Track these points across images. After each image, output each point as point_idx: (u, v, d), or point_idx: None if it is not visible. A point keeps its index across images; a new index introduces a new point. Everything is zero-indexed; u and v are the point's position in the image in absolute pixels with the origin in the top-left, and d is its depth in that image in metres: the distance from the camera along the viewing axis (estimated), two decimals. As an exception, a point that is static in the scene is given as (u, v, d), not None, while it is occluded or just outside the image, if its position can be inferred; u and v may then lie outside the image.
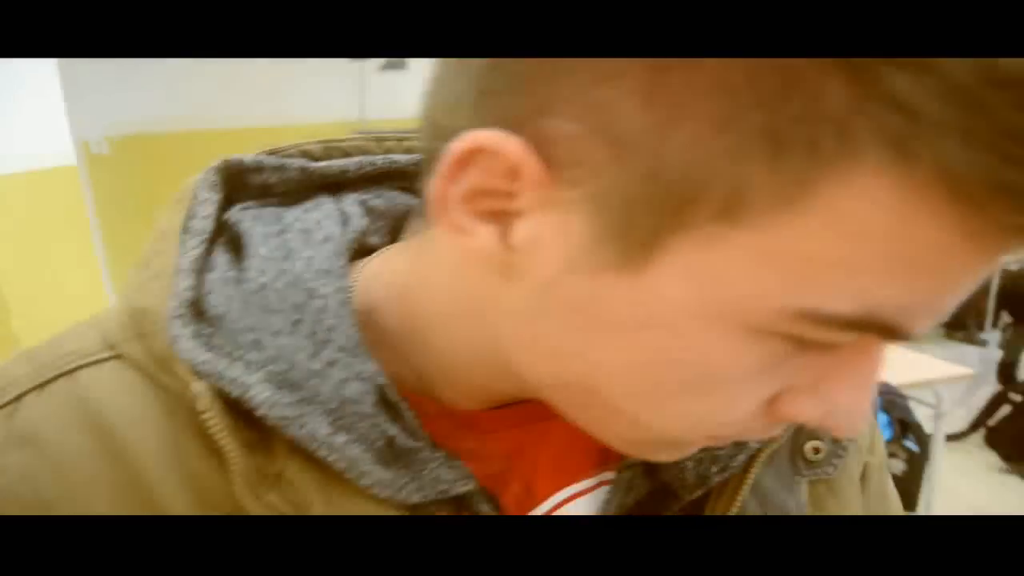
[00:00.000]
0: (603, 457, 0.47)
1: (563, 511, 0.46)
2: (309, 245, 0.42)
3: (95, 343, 0.42)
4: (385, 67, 4.76)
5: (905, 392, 2.27)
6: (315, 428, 0.37)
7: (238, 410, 0.37)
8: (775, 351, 0.31)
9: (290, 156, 0.47)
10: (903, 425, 2.31)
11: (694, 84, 0.27)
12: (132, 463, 0.39)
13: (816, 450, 0.48)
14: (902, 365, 2.12)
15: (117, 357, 0.42)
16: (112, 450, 0.39)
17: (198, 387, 0.37)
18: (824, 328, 0.29)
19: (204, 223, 0.42)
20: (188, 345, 0.38)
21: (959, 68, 0.23)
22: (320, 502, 0.38)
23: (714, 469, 0.44)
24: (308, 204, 0.45)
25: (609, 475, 0.46)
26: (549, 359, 0.36)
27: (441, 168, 0.32)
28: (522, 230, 0.32)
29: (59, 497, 0.39)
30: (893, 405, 2.32)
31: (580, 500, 0.46)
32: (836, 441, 0.48)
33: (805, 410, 0.34)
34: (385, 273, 0.44)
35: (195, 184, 0.44)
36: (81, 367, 0.41)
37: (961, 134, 0.24)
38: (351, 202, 0.46)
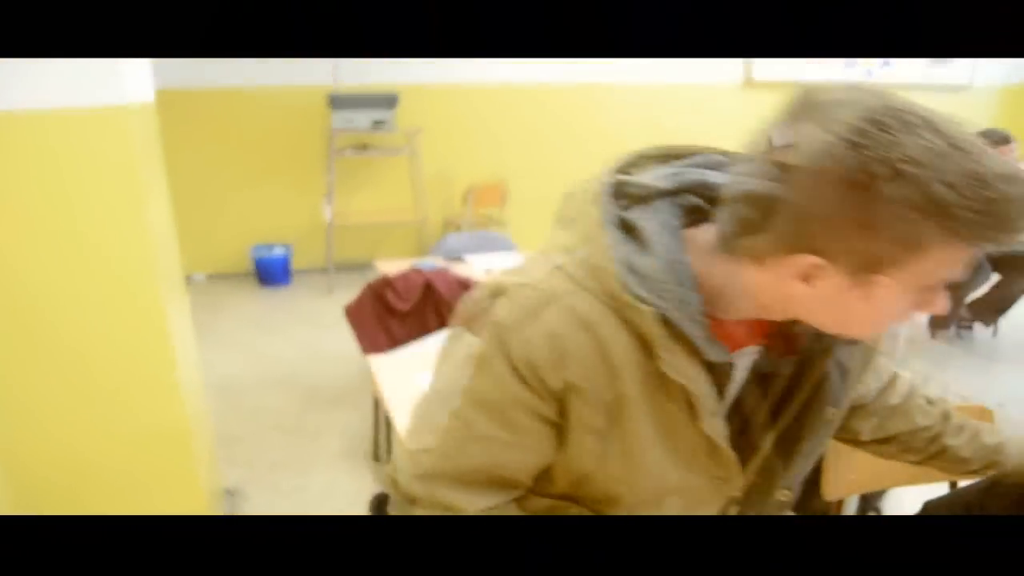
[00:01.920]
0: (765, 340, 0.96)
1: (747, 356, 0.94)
2: (674, 236, 0.87)
3: (568, 283, 0.87)
4: (354, 44, 5.51)
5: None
6: (692, 330, 0.83)
7: (659, 318, 0.83)
8: (928, 287, 0.80)
9: (633, 169, 0.95)
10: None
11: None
12: (605, 346, 0.85)
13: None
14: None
15: (584, 290, 0.86)
16: (595, 339, 0.85)
17: (646, 309, 0.82)
18: (929, 287, 0.79)
19: (615, 220, 0.87)
20: (638, 289, 0.83)
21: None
22: (679, 364, 0.84)
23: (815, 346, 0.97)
24: (657, 205, 0.90)
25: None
26: (819, 316, 0.85)
27: (786, 262, 0.80)
28: (820, 276, 0.79)
29: (566, 362, 0.85)
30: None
31: (745, 356, 0.94)
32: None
33: (934, 305, 0.83)
34: (710, 253, 0.87)
35: (600, 192, 0.89)
36: (569, 295, 0.86)
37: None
38: (674, 203, 0.91)
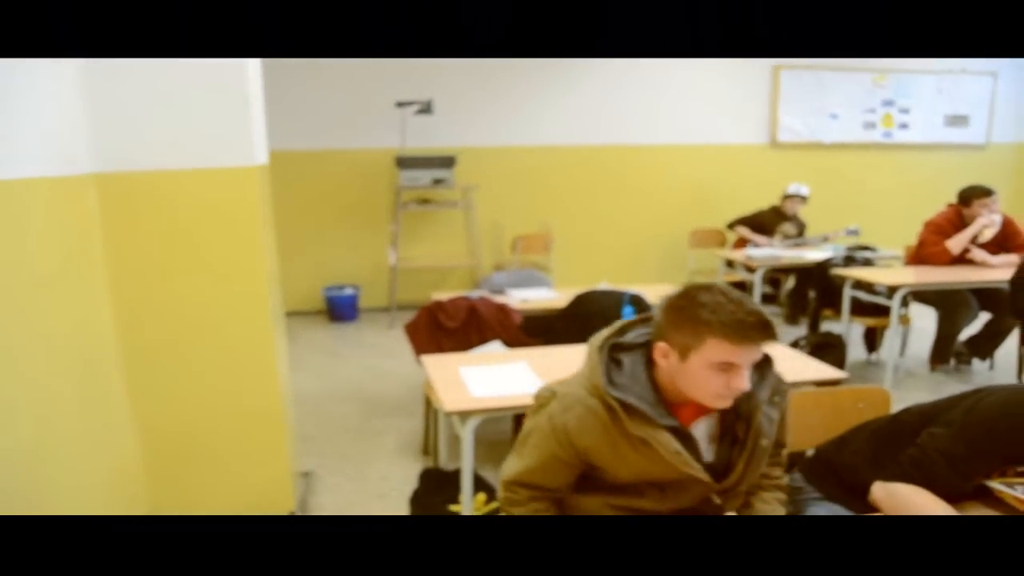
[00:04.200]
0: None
1: (696, 426, 1.74)
2: (639, 363, 1.73)
3: (582, 391, 1.72)
4: (418, 111, 6.37)
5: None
6: (644, 407, 1.67)
7: (620, 404, 1.67)
8: (721, 370, 1.61)
9: (628, 330, 1.82)
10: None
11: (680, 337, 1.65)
12: (603, 424, 1.69)
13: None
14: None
15: (586, 398, 1.71)
16: (599, 419, 1.69)
17: (612, 397, 1.67)
18: (727, 365, 1.61)
19: (605, 358, 1.73)
20: (612, 390, 1.68)
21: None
22: (637, 428, 1.66)
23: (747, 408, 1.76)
24: (634, 352, 1.76)
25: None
26: (686, 387, 1.66)
27: (656, 349, 1.69)
28: (669, 355, 1.67)
29: (583, 433, 1.70)
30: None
31: (701, 423, 1.76)
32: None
33: (737, 385, 1.62)
34: (659, 369, 1.73)
35: (599, 344, 1.76)
36: (580, 401, 1.71)
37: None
38: (642, 349, 1.77)
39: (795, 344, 4.89)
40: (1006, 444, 1.77)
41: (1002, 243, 4.94)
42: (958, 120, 7.95)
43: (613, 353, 1.76)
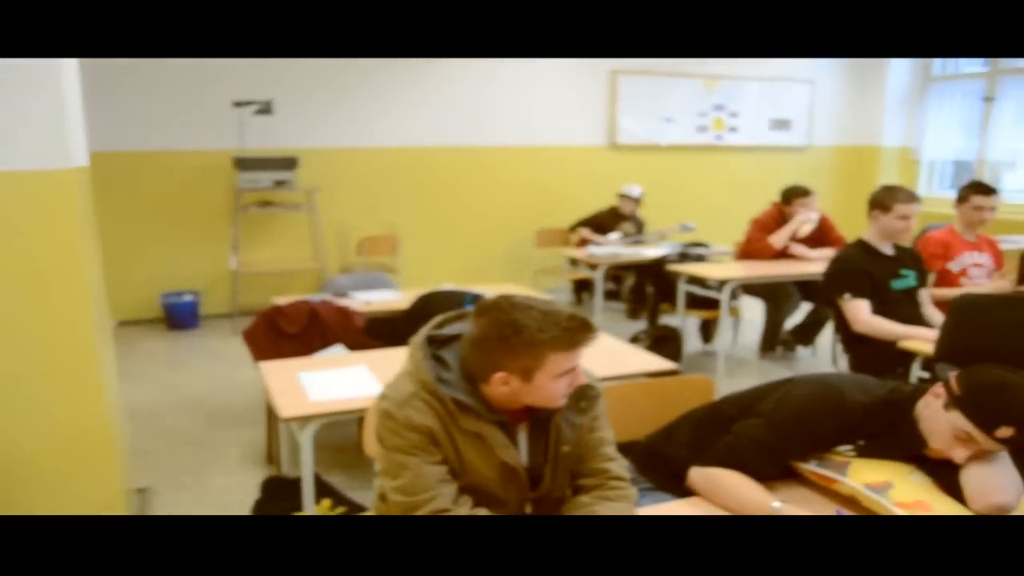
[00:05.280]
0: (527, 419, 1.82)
1: (522, 431, 1.80)
2: (456, 360, 1.75)
3: (412, 388, 1.71)
4: (257, 111, 6.22)
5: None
6: (472, 403, 1.70)
7: (454, 401, 1.70)
8: (562, 377, 1.67)
9: (446, 324, 1.85)
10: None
11: (518, 365, 1.66)
12: (439, 416, 1.70)
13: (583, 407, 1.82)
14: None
15: (418, 392, 1.70)
16: (435, 411, 1.71)
17: (445, 395, 1.69)
18: (560, 374, 1.66)
19: (428, 355, 1.74)
20: (443, 388, 1.70)
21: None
22: (471, 424, 1.70)
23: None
24: (453, 345, 1.78)
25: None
26: (532, 401, 1.72)
27: (497, 376, 1.67)
28: (510, 383, 1.68)
29: (426, 419, 1.69)
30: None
31: (520, 432, 1.80)
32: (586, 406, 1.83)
33: (576, 382, 1.71)
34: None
35: (421, 343, 1.77)
36: (414, 396, 1.70)
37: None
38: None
39: (635, 339, 5.09)
40: (809, 436, 1.93)
41: (820, 239, 5.32)
42: (781, 124, 8.48)
43: (434, 349, 1.77)
